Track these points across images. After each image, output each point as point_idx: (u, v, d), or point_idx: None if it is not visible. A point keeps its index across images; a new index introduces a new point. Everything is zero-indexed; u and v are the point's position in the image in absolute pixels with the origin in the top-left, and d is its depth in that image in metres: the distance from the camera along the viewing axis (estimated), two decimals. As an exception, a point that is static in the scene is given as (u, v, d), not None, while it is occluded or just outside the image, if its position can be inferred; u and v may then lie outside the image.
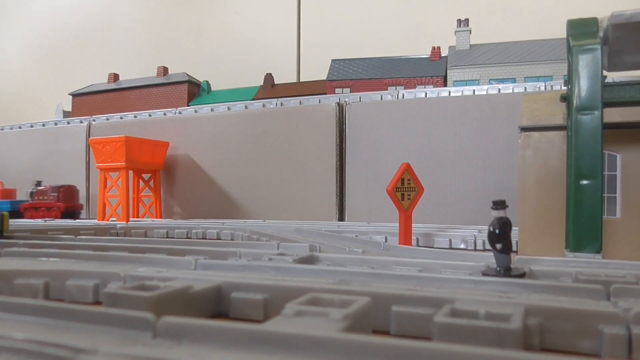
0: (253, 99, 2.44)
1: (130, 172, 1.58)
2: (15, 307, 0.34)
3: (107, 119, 1.93)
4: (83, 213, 1.79)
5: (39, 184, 1.65)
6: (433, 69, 2.42)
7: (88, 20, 3.37)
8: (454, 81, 2.34)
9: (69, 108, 3.14)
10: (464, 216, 1.30)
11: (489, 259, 0.57)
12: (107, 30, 3.31)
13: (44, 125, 2.02)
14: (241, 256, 0.63)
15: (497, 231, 0.51)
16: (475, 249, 0.94)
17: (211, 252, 0.65)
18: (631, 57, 0.77)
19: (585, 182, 0.67)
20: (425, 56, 2.50)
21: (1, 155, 1.98)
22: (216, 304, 0.43)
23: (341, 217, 1.46)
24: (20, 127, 2.06)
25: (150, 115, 1.86)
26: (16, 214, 1.59)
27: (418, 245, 0.97)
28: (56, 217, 1.54)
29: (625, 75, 1.16)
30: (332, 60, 2.62)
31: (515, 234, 0.76)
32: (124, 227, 1.22)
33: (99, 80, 3.18)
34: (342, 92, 2.43)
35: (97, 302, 0.49)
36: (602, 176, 0.67)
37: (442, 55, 2.47)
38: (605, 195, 0.78)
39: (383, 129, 1.42)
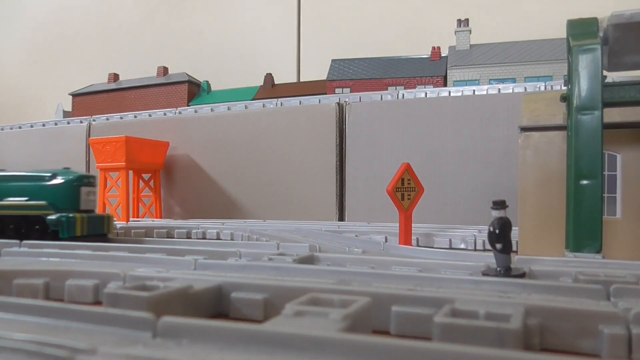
0: (253, 99, 2.44)
1: (130, 172, 1.58)
2: (15, 307, 0.34)
3: (107, 119, 1.93)
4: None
5: None
6: (433, 69, 2.42)
7: (88, 20, 3.37)
8: (454, 81, 2.34)
9: (69, 108, 3.15)
10: (464, 216, 1.29)
11: (489, 259, 0.57)
12: (108, 30, 3.31)
13: (44, 125, 2.02)
14: (241, 256, 0.63)
15: (497, 231, 0.51)
16: (475, 249, 0.94)
17: (211, 252, 0.65)
18: (631, 57, 0.77)
19: (585, 182, 0.67)
20: (425, 56, 2.51)
21: (1, 155, 1.98)
22: (216, 304, 0.43)
23: (341, 217, 1.46)
24: (20, 127, 2.06)
25: (150, 115, 1.86)
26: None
27: (418, 245, 0.97)
28: None
29: (625, 75, 1.15)
30: (332, 60, 2.63)
31: (515, 234, 0.76)
32: (124, 227, 1.22)
33: (99, 80, 3.18)
34: (342, 92, 2.43)
35: (97, 302, 0.49)
36: (602, 176, 0.67)
37: (442, 55, 2.48)
38: (605, 195, 0.78)
39: (383, 129, 1.42)
